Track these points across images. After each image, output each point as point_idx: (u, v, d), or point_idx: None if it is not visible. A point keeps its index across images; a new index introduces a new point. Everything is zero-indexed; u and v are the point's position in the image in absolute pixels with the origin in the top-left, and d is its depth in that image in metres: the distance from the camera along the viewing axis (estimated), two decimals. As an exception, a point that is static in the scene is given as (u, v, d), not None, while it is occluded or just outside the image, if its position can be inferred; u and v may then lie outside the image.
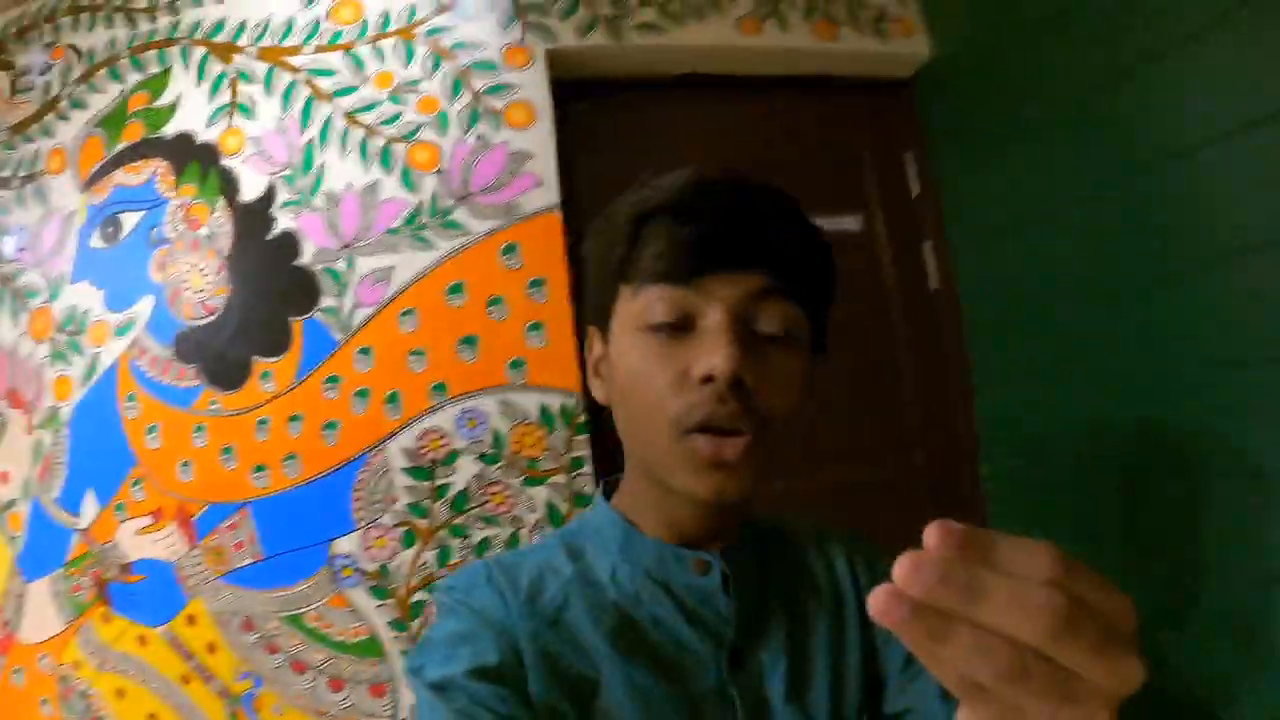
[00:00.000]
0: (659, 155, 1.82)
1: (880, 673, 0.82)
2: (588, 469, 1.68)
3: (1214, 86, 1.28)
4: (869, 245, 2.05)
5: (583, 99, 1.90)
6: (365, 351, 1.64)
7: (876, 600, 0.35)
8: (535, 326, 1.70)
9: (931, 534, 0.34)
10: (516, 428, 1.66)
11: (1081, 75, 1.54)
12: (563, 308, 1.71)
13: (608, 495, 0.85)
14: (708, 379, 0.67)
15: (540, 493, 1.66)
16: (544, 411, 1.68)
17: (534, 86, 1.78)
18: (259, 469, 1.60)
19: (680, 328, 0.70)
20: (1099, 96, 1.49)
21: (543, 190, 1.75)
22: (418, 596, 1.58)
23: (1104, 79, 1.48)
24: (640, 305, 0.72)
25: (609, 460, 1.71)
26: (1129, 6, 1.41)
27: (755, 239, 0.71)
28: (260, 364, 1.63)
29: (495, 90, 1.76)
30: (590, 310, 0.81)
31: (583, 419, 1.69)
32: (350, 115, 1.72)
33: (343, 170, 1.70)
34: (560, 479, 1.67)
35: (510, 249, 1.71)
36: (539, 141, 1.76)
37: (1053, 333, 1.67)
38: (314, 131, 1.71)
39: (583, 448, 1.69)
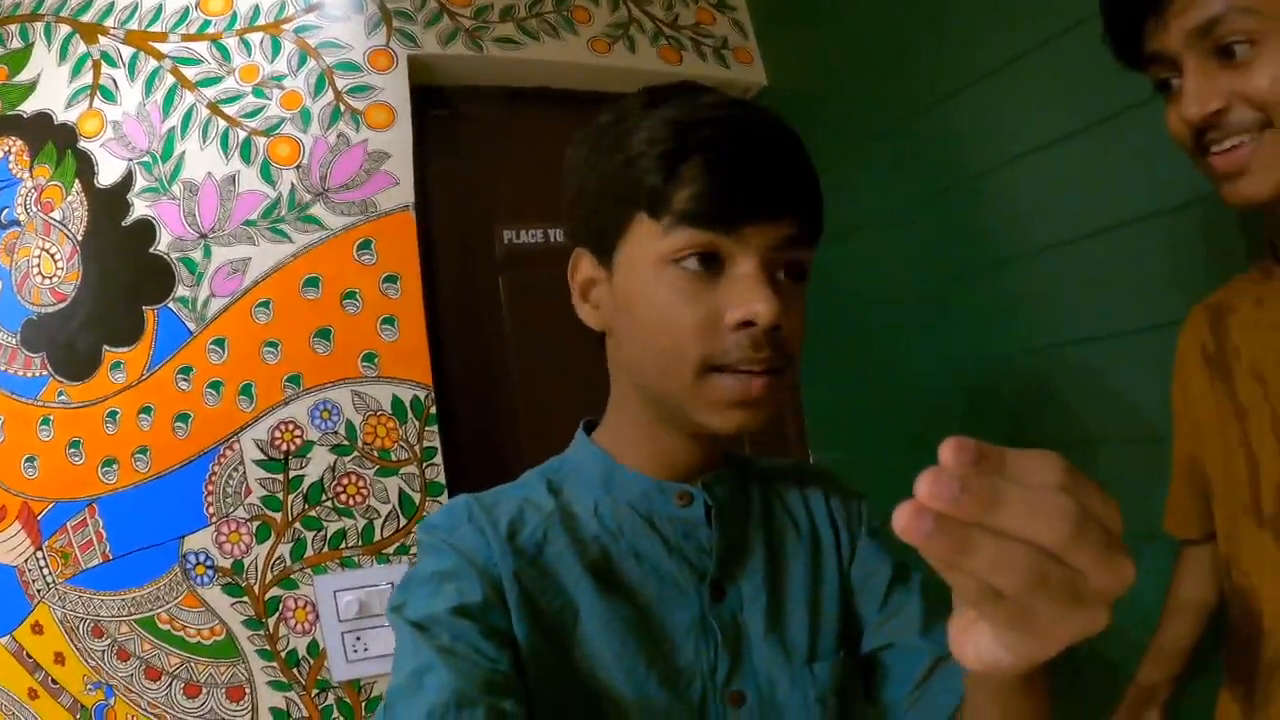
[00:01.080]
0: (509, 162, 1.93)
1: (856, 610, 0.85)
2: (439, 459, 1.73)
3: (1015, 111, 1.48)
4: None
5: (440, 106, 1.96)
6: (219, 343, 1.64)
7: (900, 517, 0.33)
8: (388, 320, 1.74)
9: (947, 449, 0.35)
10: (369, 419, 1.70)
11: (902, 100, 1.71)
12: (415, 303, 1.77)
13: (588, 433, 0.86)
14: (746, 324, 0.68)
15: (393, 483, 1.70)
16: (396, 403, 1.72)
17: (395, 89, 1.82)
18: (108, 464, 1.58)
19: (712, 269, 0.69)
20: (918, 118, 1.67)
21: (399, 189, 1.79)
22: (273, 593, 1.60)
23: (923, 103, 1.65)
24: (671, 243, 0.69)
25: (460, 450, 1.77)
26: (942, 41, 1.59)
27: (788, 189, 0.71)
28: (111, 354, 1.61)
29: (357, 90, 1.79)
30: (582, 229, 0.78)
31: (433, 410, 1.74)
32: (214, 105, 1.72)
33: (203, 160, 1.70)
34: (412, 469, 1.71)
35: (365, 245, 1.75)
36: (397, 143, 1.81)
37: (876, 329, 1.85)
38: (176, 119, 1.70)
39: (434, 439, 1.74)
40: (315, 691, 1.60)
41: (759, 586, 0.79)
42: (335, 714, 1.60)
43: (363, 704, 1.62)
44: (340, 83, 1.79)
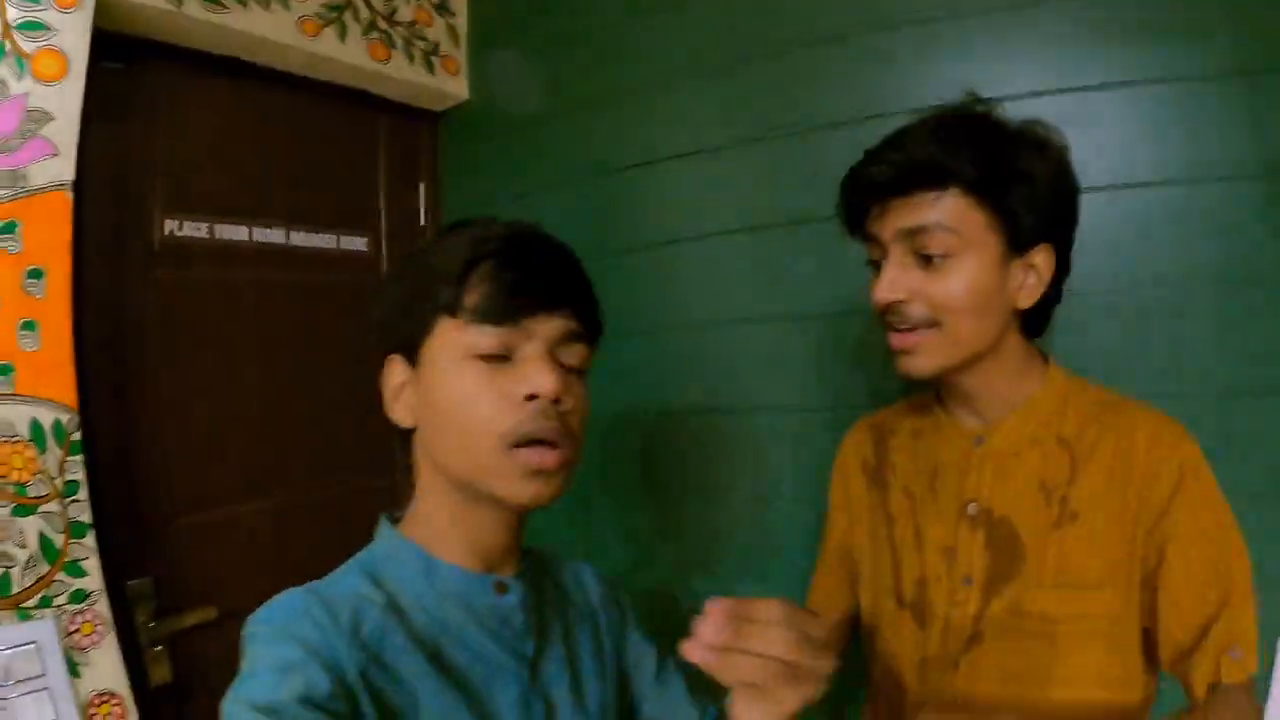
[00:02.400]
0: (183, 140, 1.69)
1: (630, 684, 1.03)
2: (83, 495, 1.47)
3: (670, 119, 1.80)
4: (375, 266, 2.12)
5: (115, 59, 1.61)
6: None
7: (690, 650, 0.63)
8: (29, 325, 1.41)
9: (716, 610, 0.63)
10: (3, 446, 1.37)
11: (570, 116, 1.96)
12: (62, 304, 1.45)
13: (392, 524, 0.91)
14: (532, 397, 0.80)
15: (32, 524, 1.39)
16: (35, 427, 1.41)
17: (74, 33, 1.44)
18: None
19: (503, 358, 0.81)
20: (584, 132, 1.95)
21: (58, 162, 1.44)
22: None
23: (587, 117, 1.93)
24: (468, 338, 0.81)
25: (105, 481, 1.52)
26: (609, 60, 1.91)
27: (564, 287, 0.85)
28: None
29: (30, 27, 1.39)
30: (389, 339, 0.89)
31: (77, 436, 1.46)
32: None
33: None
34: (54, 506, 1.42)
35: (9, 228, 1.39)
36: (64, 103, 1.44)
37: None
38: None
39: (77, 470, 1.46)
40: (-51, 785, 1.28)
41: (562, 662, 0.92)
42: (-30, 806, 1.30)
43: (1, 791, 1.34)
44: (12, 13, 1.37)
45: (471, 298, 0.81)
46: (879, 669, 1.19)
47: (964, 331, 0.98)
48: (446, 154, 2.27)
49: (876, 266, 1.03)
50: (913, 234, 0.97)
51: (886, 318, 1.01)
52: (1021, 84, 1.40)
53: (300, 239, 1.96)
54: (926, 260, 0.97)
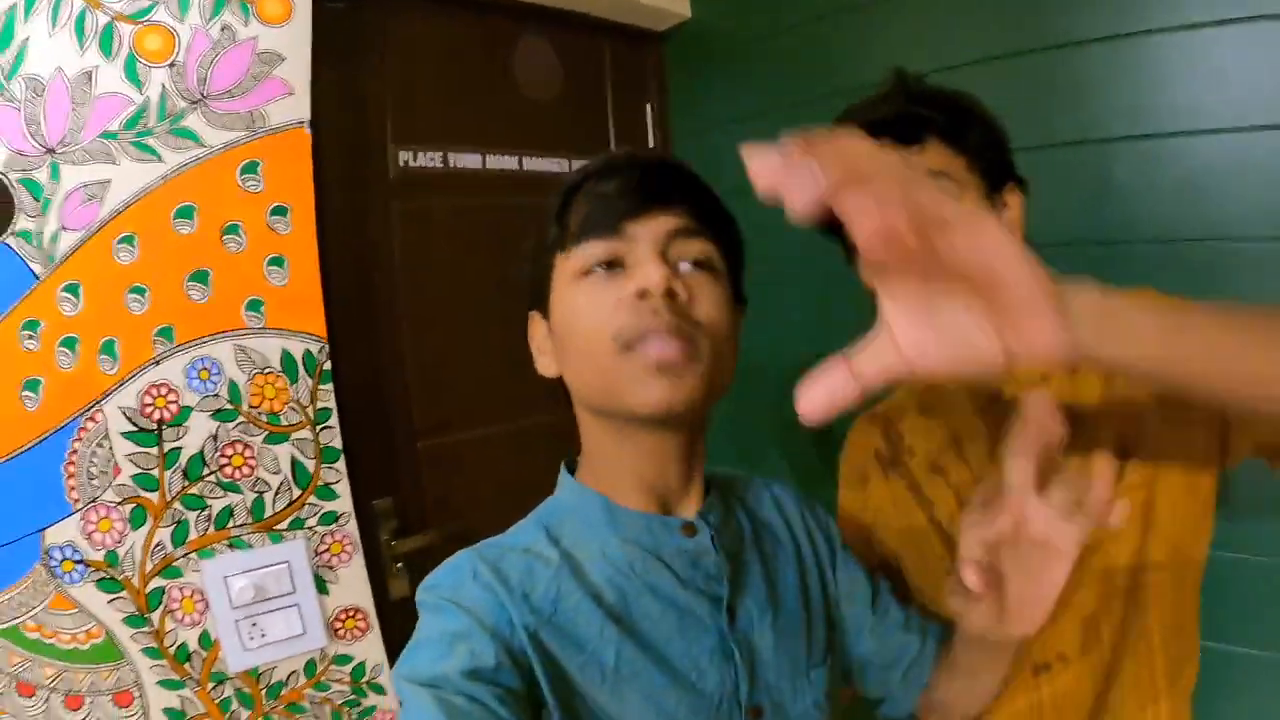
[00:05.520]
0: (411, 72, 1.68)
1: (841, 615, 0.94)
2: (334, 421, 1.55)
3: (913, 34, 1.64)
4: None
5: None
6: (73, 289, 1.31)
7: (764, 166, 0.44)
8: (276, 261, 1.48)
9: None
10: (255, 378, 1.47)
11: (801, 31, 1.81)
12: (308, 240, 1.51)
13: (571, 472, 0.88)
14: (643, 294, 0.73)
15: (284, 450, 1.50)
16: (286, 358, 1.50)
17: (294, -26, 1.47)
18: (-60, 445, 1.23)
19: (612, 266, 0.76)
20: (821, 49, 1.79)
21: (293, 100, 1.49)
22: (155, 584, 1.37)
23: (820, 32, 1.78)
24: (576, 261, 0.78)
25: (352, 411, 1.59)
26: None
27: (668, 183, 0.80)
28: (-69, 305, 1.23)
29: (250, -26, 1.42)
30: (532, 298, 0.86)
31: (328, 366, 1.54)
32: (68, -24, 1.29)
33: (52, 50, 1.27)
34: (305, 434, 1.52)
35: (251, 168, 1.45)
36: (293, 43, 1.48)
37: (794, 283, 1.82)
38: (17, -7, 1.26)
39: (328, 399, 1.55)
40: (211, 685, 1.43)
41: (763, 603, 0.85)
42: (235, 706, 1.46)
43: (263, 692, 1.48)
44: (233, -39, 1.41)
45: (573, 223, 0.79)
46: None
47: None
48: (671, 74, 2.17)
49: None
50: None
51: None
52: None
53: (532, 164, 1.94)
54: None
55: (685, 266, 0.77)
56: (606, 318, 0.74)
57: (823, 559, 0.95)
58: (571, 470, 0.88)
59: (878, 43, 1.69)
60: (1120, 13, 1.36)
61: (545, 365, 0.86)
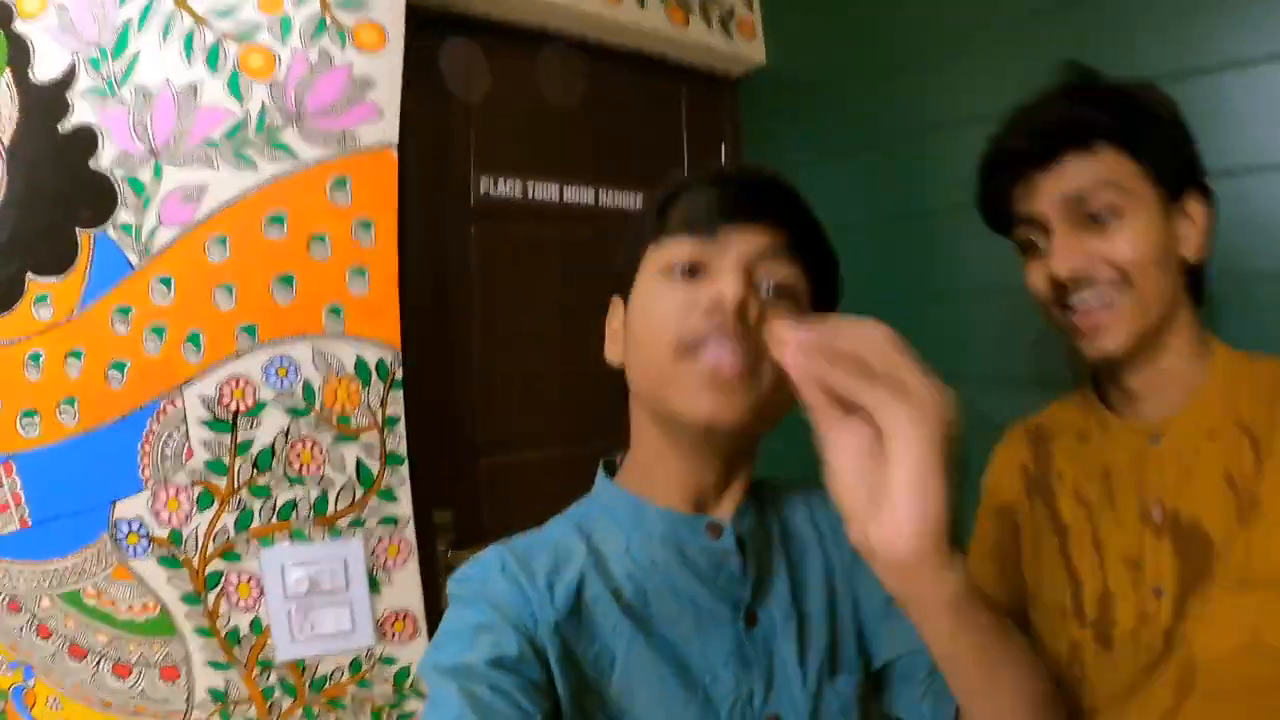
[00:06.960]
0: (495, 104, 1.77)
1: (865, 622, 0.89)
2: (401, 428, 1.60)
3: (972, 80, 1.66)
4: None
5: (427, 31, 1.73)
6: (165, 281, 1.41)
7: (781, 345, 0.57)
8: (359, 271, 1.56)
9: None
10: (330, 379, 1.54)
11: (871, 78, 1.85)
12: (389, 254, 1.59)
13: (609, 475, 0.88)
14: (715, 304, 0.72)
15: (351, 451, 1.56)
16: (360, 364, 1.56)
17: (389, 8, 1.58)
18: (28, 415, 1.34)
19: (695, 272, 0.75)
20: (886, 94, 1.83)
21: (382, 123, 1.59)
22: (214, 566, 1.43)
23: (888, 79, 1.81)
24: (664, 254, 0.77)
25: (420, 420, 1.64)
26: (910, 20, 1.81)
27: (772, 198, 0.79)
28: (36, 284, 1.34)
29: (348, 4, 1.55)
30: (618, 284, 0.85)
31: (399, 375, 1.60)
32: (181, -1, 1.44)
33: (161, 62, 1.41)
34: (373, 437, 1.58)
35: (340, 183, 1.55)
36: (385, 70, 1.59)
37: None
38: (134, 9, 1.40)
39: (398, 406, 1.60)
40: (257, 671, 1.47)
41: (787, 610, 0.82)
42: (277, 694, 1.49)
43: (307, 685, 1.51)
44: (330, -8, 1.53)
45: (671, 216, 0.79)
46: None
47: (1152, 289, 0.92)
48: (745, 117, 2.24)
49: (1028, 249, 1.00)
50: (1076, 199, 0.93)
51: (1068, 298, 0.96)
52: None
53: (608, 199, 2.00)
54: (1095, 222, 0.93)
55: (767, 290, 0.76)
56: (674, 319, 0.74)
57: (850, 568, 0.90)
58: (611, 472, 0.88)
59: (945, 89, 1.71)
60: (1179, 48, 1.36)
61: (613, 352, 0.86)
